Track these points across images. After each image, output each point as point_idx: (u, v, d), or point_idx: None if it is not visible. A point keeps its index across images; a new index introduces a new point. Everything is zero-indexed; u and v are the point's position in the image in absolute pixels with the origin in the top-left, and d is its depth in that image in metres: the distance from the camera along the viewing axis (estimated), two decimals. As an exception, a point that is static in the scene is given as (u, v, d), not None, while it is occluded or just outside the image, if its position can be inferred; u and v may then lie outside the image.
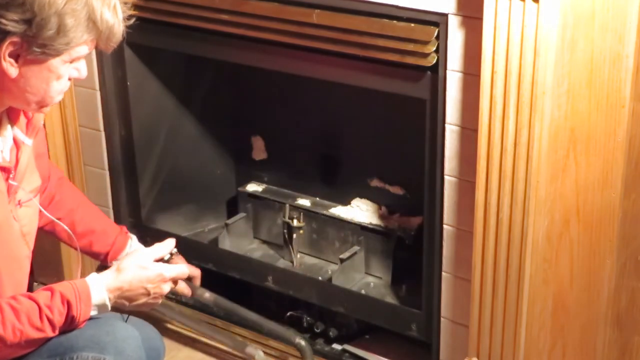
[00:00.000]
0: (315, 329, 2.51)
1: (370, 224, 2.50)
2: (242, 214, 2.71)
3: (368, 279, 2.54)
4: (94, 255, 2.20)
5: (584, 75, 1.90)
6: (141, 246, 2.24)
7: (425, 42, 1.95)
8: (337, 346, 2.50)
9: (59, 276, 2.68)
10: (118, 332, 1.83)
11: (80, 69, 1.78)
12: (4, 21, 1.65)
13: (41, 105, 1.79)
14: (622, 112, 2.02)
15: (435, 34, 1.94)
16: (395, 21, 1.99)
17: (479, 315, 2.04)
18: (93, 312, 1.82)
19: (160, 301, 1.92)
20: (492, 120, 1.87)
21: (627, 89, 2.00)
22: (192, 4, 2.23)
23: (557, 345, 2.12)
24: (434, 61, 1.96)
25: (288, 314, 2.57)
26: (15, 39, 1.67)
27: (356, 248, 2.51)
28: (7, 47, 1.67)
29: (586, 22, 1.85)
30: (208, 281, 2.22)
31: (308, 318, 2.53)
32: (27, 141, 1.87)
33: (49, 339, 1.80)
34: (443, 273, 2.14)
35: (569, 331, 2.14)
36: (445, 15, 1.91)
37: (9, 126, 1.85)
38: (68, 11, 1.67)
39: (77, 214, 2.20)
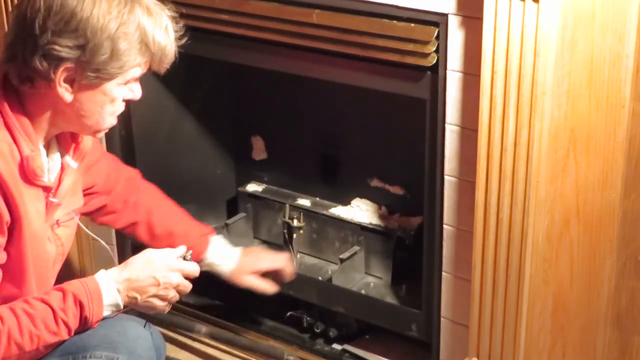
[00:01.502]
0: (315, 329, 2.51)
1: (370, 224, 2.50)
2: (242, 214, 2.71)
3: (368, 279, 2.54)
4: None
5: (584, 75, 1.90)
6: (228, 246, 2.31)
7: (425, 42, 1.95)
8: (337, 346, 2.50)
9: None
10: (129, 332, 1.84)
11: (135, 90, 1.81)
12: (57, 47, 1.67)
13: (95, 129, 1.81)
14: (622, 112, 2.02)
15: (435, 34, 1.94)
16: (395, 21, 1.99)
17: (479, 315, 2.04)
18: (106, 313, 1.81)
19: (171, 293, 1.88)
20: (492, 120, 1.87)
21: (627, 89, 2.00)
22: (192, 4, 2.23)
23: (557, 345, 2.12)
24: (434, 61, 1.96)
25: (288, 314, 2.57)
26: (69, 64, 1.69)
27: (356, 248, 2.51)
28: (61, 73, 1.70)
29: (586, 22, 1.85)
30: (208, 281, 2.22)
31: (308, 318, 2.53)
32: (73, 164, 1.89)
33: (63, 341, 1.80)
34: (443, 273, 2.14)
35: (569, 331, 2.14)
36: (445, 15, 1.91)
37: (57, 150, 1.88)
38: (120, 35, 1.69)
39: (155, 215, 2.23)
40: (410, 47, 1.97)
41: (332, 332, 2.50)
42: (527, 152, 1.86)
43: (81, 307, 1.77)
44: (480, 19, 1.83)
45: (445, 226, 2.09)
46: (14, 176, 1.73)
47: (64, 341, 1.80)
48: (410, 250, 2.42)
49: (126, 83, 1.77)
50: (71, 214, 1.92)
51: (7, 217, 1.73)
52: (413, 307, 2.28)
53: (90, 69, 1.70)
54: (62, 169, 1.88)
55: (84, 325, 1.79)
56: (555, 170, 1.92)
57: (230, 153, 2.78)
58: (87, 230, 2.05)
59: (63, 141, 1.88)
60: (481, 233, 1.97)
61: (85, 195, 2.05)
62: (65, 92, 1.72)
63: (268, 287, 2.35)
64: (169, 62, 1.80)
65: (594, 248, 2.11)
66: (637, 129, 2.06)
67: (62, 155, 1.88)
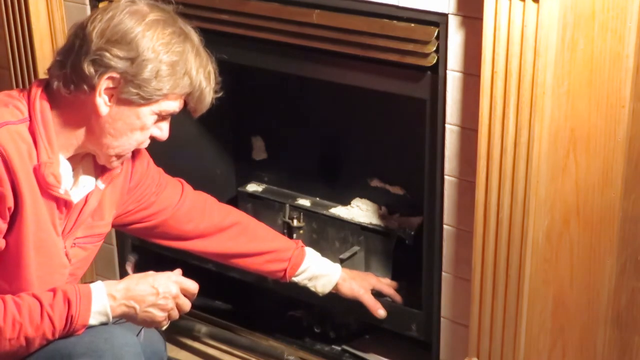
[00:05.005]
0: (315, 330, 2.51)
1: (370, 224, 2.50)
2: (242, 214, 2.71)
3: (368, 279, 2.53)
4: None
5: (584, 75, 1.90)
6: (323, 257, 2.30)
7: (425, 42, 1.95)
8: (336, 346, 2.50)
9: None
10: (115, 339, 1.81)
11: (163, 129, 1.88)
12: (108, 55, 1.74)
13: (116, 152, 1.84)
14: (622, 112, 2.02)
15: (435, 34, 1.94)
16: (395, 21, 1.99)
17: (479, 315, 2.04)
18: (92, 321, 1.80)
19: (170, 303, 1.86)
20: (492, 120, 1.87)
21: (627, 89, 2.00)
22: (192, 4, 2.23)
23: (557, 345, 2.12)
24: (434, 61, 1.96)
25: (288, 314, 2.57)
26: (114, 74, 1.75)
27: (356, 248, 2.51)
28: (105, 81, 1.76)
29: (586, 22, 1.85)
30: (208, 282, 2.22)
31: (308, 318, 2.53)
32: (100, 185, 1.93)
33: (44, 345, 1.78)
34: (443, 273, 2.14)
35: (569, 331, 2.14)
36: (445, 15, 1.91)
37: (92, 172, 1.92)
38: (168, 60, 1.78)
39: (248, 236, 2.27)
40: (410, 47, 1.97)
41: (332, 333, 2.50)
42: (527, 152, 1.86)
43: (69, 305, 1.77)
44: (480, 19, 1.83)
45: (445, 226, 2.09)
46: (28, 175, 1.76)
47: (47, 344, 1.78)
48: (410, 250, 2.42)
49: (160, 116, 1.84)
50: (93, 238, 1.95)
51: (10, 203, 1.76)
52: (413, 307, 2.28)
53: (133, 83, 1.76)
54: (92, 191, 1.91)
55: (69, 326, 1.77)
56: (555, 170, 1.92)
57: (230, 153, 2.78)
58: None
59: (95, 162, 1.91)
60: (481, 233, 1.97)
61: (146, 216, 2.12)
62: (102, 103, 1.78)
63: (382, 311, 2.29)
64: (205, 106, 1.88)
65: (594, 248, 2.11)
66: (637, 129, 2.06)
67: (96, 179, 1.93)
